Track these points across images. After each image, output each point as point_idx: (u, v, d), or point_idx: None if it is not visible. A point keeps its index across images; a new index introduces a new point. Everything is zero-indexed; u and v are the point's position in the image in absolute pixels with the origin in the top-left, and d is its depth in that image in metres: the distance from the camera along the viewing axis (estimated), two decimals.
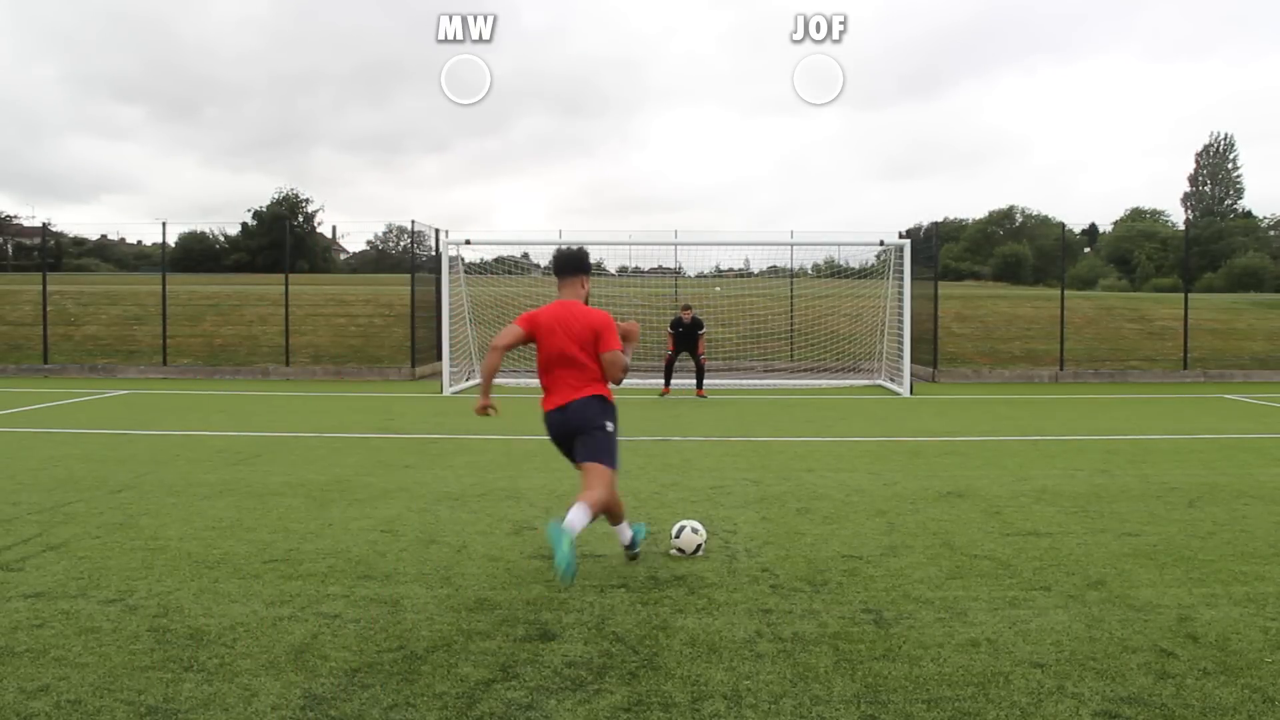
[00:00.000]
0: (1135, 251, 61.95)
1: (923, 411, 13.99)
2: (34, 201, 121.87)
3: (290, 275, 23.77)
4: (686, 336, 16.44)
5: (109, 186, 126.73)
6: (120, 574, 5.09)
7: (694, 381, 16.48)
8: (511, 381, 18.91)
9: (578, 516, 4.59)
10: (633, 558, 5.38)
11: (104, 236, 68.96)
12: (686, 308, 16.71)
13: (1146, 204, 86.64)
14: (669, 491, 7.49)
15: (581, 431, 4.98)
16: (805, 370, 20.86)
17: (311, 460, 9.02)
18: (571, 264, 5.21)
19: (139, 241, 68.59)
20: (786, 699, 3.49)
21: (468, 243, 18.81)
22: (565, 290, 5.21)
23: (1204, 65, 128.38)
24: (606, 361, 4.99)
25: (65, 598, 4.67)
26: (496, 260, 21.79)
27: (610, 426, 5.02)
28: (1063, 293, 22.41)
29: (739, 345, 22.37)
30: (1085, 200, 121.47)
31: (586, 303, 5.22)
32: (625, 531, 5.30)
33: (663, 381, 16.72)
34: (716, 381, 18.47)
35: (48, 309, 22.12)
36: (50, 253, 41.92)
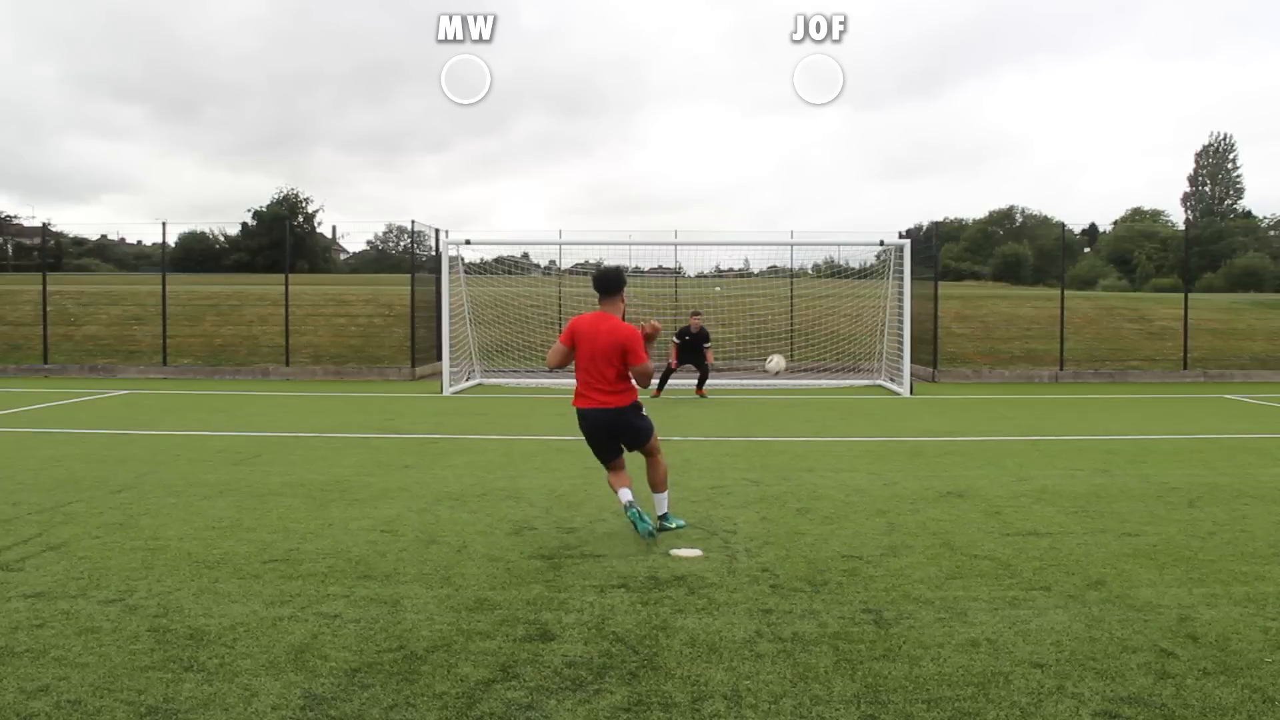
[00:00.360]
0: (1135, 251, 61.95)
1: (923, 411, 13.99)
2: (34, 201, 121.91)
3: (290, 275, 23.76)
4: (692, 348, 15.73)
5: (109, 186, 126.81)
6: (120, 574, 5.09)
7: (694, 381, 16.27)
8: (512, 382, 18.93)
9: (661, 500, 6.17)
10: (651, 534, 5.88)
11: (104, 236, 69.00)
12: (695, 314, 16.03)
13: (1148, 204, 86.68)
14: (669, 491, 7.48)
15: (624, 435, 6.05)
16: (805, 370, 20.86)
17: (311, 460, 9.02)
18: (612, 284, 6.03)
19: (139, 241, 68.65)
20: (786, 699, 3.49)
21: (468, 243, 18.82)
22: (605, 305, 6.04)
23: (1205, 65, 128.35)
24: (635, 374, 5.91)
25: (65, 598, 4.67)
26: (496, 260, 21.81)
27: (640, 417, 6.07)
28: (1063, 293, 22.41)
29: (739, 345, 22.36)
30: (1086, 200, 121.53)
31: (623, 316, 6.07)
32: (664, 503, 6.23)
33: (656, 384, 15.74)
34: (716, 381, 18.44)
35: (48, 309, 22.12)
36: (50, 253, 41.91)
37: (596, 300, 6.06)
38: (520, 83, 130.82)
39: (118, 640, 4.07)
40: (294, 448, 9.89)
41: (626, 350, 5.80)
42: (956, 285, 40.58)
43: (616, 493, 5.99)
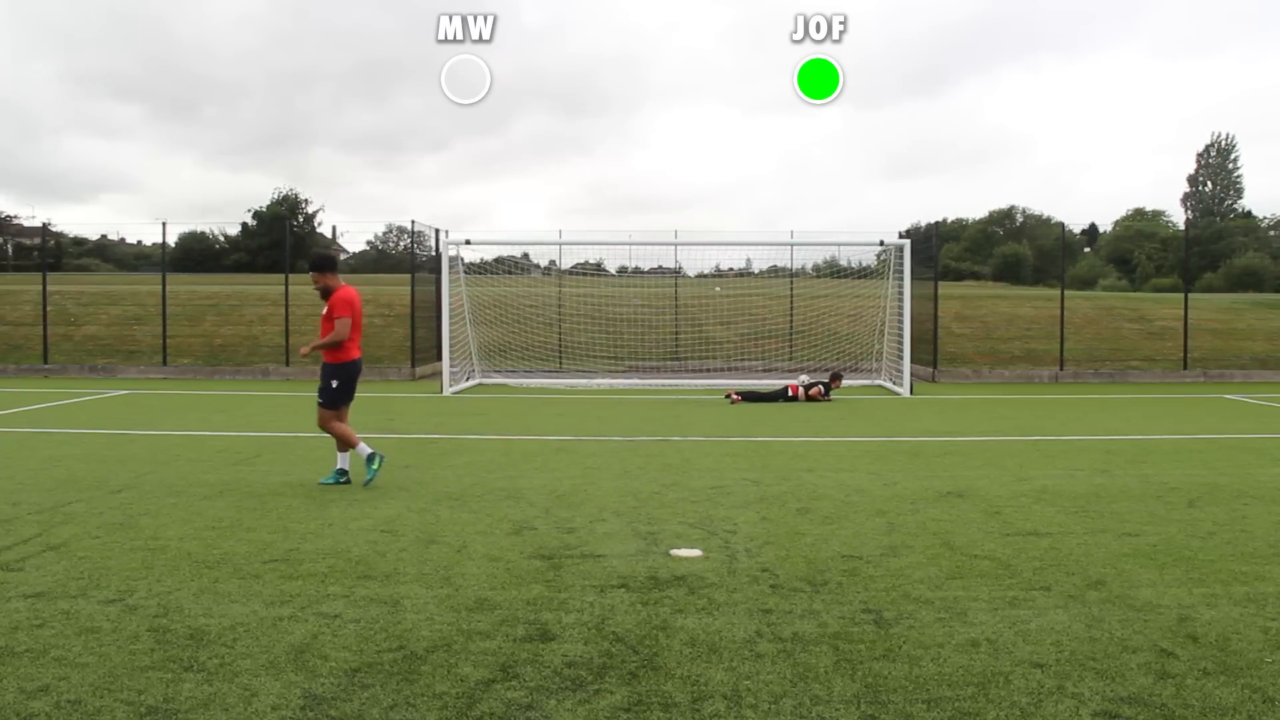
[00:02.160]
0: (1135, 251, 61.95)
1: (923, 411, 13.99)
2: (33, 201, 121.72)
3: (290, 275, 23.73)
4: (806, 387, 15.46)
5: (108, 186, 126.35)
6: (120, 574, 5.09)
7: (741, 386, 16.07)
8: (512, 382, 18.92)
9: (345, 458, 7.81)
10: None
11: (104, 236, 68.89)
12: (814, 386, 15.60)
13: (1150, 204, 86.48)
14: (669, 491, 7.49)
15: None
16: (805, 370, 20.84)
17: (311, 460, 9.02)
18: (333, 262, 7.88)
19: (139, 241, 68.56)
20: (786, 699, 3.49)
21: (468, 243, 18.82)
22: (341, 277, 7.79)
23: (1210, 64, 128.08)
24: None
25: (65, 598, 4.67)
26: (496, 260, 21.79)
27: None
28: (1063, 293, 22.41)
29: (739, 345, 22.37)
30: (1087, 200, 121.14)
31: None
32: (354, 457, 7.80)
33: (739, 396, 15.53)
34: (717, 381, 18.47)
35: (48, 309, 22.12)
36: (50, 253, 41.87)
37: (340, 280, 7.70)
38: (520, 82, 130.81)
39: (118, 640, 4.07)
40: (294, 448, 9.89)
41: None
42: (956, 285, 40.57)
43: (357, 445, 7.62)
